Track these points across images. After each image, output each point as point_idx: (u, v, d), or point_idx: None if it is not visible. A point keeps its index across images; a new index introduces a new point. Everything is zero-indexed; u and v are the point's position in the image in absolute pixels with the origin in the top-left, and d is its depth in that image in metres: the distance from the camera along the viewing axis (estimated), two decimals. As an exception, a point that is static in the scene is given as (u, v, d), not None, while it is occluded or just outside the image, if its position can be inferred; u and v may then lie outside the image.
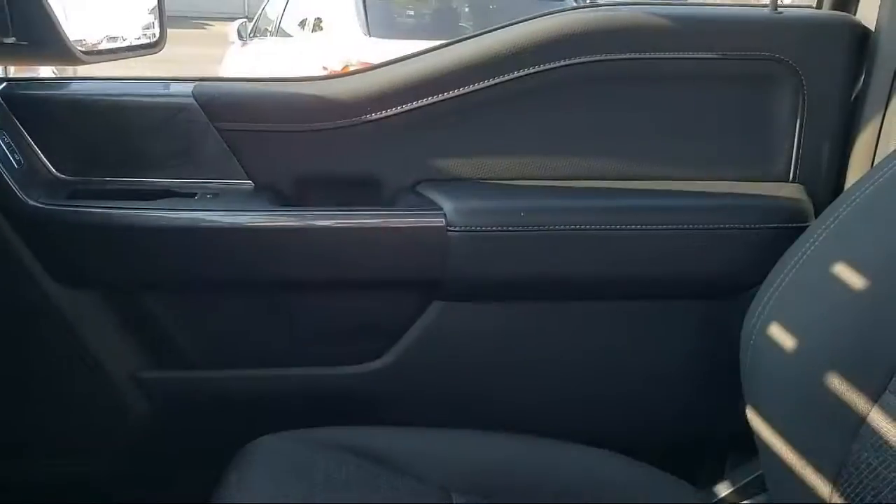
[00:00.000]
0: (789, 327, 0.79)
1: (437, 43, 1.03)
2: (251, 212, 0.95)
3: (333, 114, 0.96)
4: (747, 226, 0.99)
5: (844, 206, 0.81)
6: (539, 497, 0.81)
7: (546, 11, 1.02)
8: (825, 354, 0.73)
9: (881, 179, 0.79)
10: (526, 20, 1.01)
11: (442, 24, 4.82)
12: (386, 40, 4.22)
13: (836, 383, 0.68)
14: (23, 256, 0.94)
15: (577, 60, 0.97)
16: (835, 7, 1.05)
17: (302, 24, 5.38)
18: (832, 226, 0.81)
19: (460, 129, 0.99)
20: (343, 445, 0.83)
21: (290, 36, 5.51)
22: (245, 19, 6.82)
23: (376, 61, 1.04)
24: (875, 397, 0.65)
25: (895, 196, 0.77)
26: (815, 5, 1.08)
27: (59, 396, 1.01)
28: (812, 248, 0.81)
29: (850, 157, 1.01)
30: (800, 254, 0.81)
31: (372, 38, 4.43)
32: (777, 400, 0.76)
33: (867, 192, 0.79)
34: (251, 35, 6.17)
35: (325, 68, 4.25)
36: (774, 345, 0.79)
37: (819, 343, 0.76)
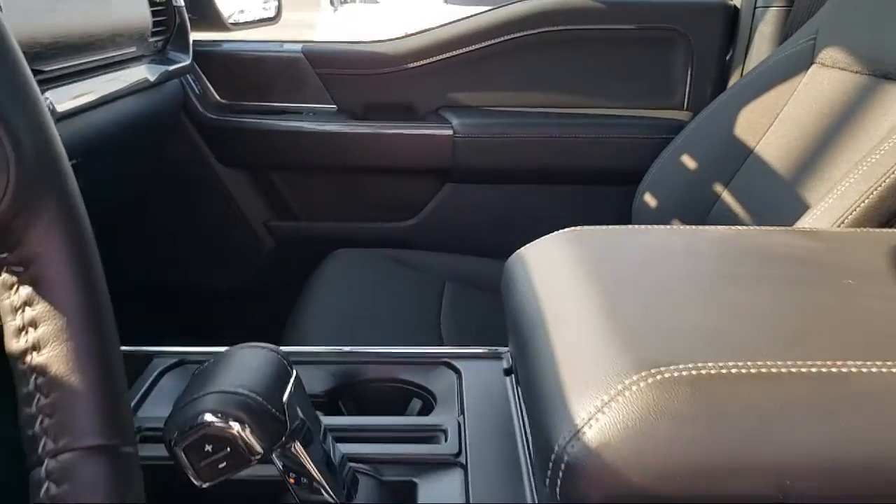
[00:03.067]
0: (656, 193, 1.34)
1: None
2: (335, 123, 1.55)
3: (386, 64, 1.54)
4: (654, 136, 1.51)
5: (695, 122, 1.34)
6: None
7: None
8: (677, 203, 1.28)
9: (715, 105, 1.32)
10: (511, 3, 1.56)
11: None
12: (460, 7, 4.75)
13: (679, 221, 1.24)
14: (201, 147, 1.57)
15: (542, 29, 1.52)
16: (720, -9, 1.57)
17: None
18: (687, 133, 1.35)
19: (466, 75, 1.56)
20: (385, 256, 1.42)
21: (376, 3, 6.10)
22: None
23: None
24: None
25: (716, 116, 1.31)
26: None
27: (219, 237, 1.64)
28: (674, 146, 1.35)
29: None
30: (670, 149, 1.36)
31: (449, 5, 4.97)
32: None
33: (707, 113, 1.33)
34: (342, 2, 6.80)
35: (406, 33, 4.82)
36: (647, 204, 1.35)
37: (671, 200, 1.31)
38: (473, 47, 1.53)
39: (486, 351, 0.83)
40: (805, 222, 0.92)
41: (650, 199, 1.37)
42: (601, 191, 1.57)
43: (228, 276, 1.67)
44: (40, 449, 0.30)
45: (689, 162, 1.33)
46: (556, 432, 0.49)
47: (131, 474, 0.32)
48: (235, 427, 0.52)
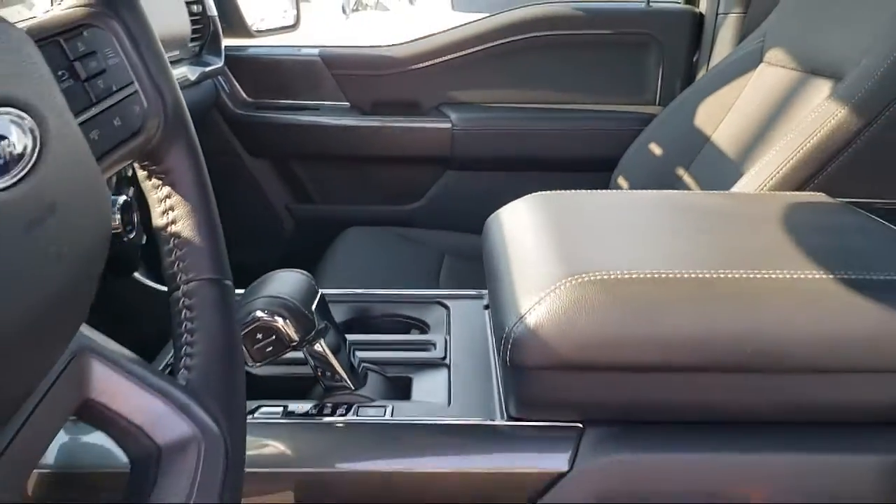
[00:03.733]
0: (628, 178, 1.54)
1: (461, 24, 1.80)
2: (348, 118, 1.76)
3: (393, 65, 1.75)
4: (629, 129, 1.71)
5: (661, 115, 1.55)
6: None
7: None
8: (645, 187, 1.48)
9: (679, 101, 1.53)
10: (503, 12, 1.77)
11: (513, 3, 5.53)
12: (467, 14, 4.98)
13: None
14: (231, 139, 1.78)
15: (531, 35, 1.73)
16: (686, 2, 1.77)
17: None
18: (654, 125, 1.55)
19: (464, 75, 1.76)
20: (392, 234, 1.63)
21: (387, 10, 6.34)
22: (349, -6, 7.69)
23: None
24: None
25: (680, 110, 1.51)
26: (681, 0, 1.80)
27: (246, 218, 1.85)
28: (643, 137, 1.55)
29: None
30: (640, 139, 1.56)
31: (455, 12, 5.20)
32: None
33: (671, 107, 1.53)
34: (354, 8, 7.05)
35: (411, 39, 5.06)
36: (620, 187, 1.54)
37: (640, 184, 1.51)
38: (470, 50, 1.74)
39: (470, 293, 1.03)
40: (735, 189, 1.12)
41: (623, 183, 1.57)
42: (582, 177, 1.77)
43: (254, 252, 1.88)
44: (177, 280, 0.51)
45: (655, 150, 1.53)
46: (508, 319, 0.69)
47: (231, 297, 0.53)
48: (279, 321, 0.72)
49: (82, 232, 0.36)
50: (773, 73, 1.39)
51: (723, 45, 1.65)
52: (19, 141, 0.33)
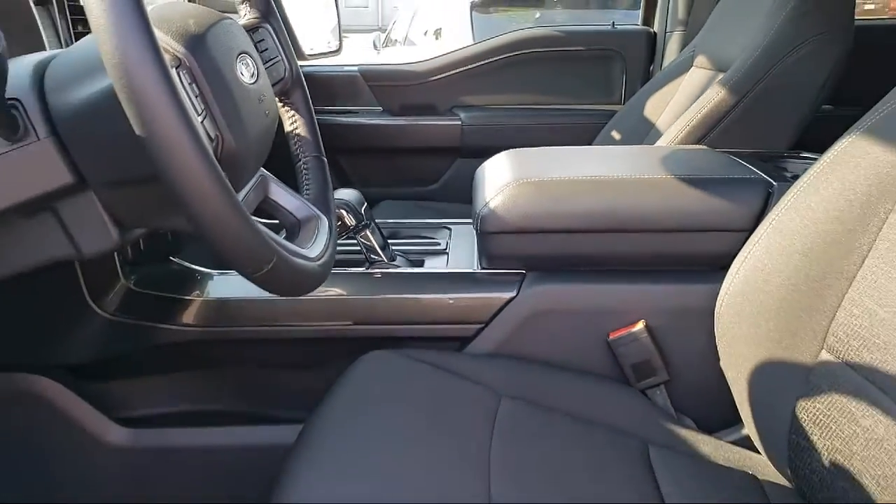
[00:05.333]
0: None
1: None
2: (381, 118, 2.26)
3: (416, 78, 2.26)
4: (599, 122, 2.18)
5: (620, 110, 2.02)
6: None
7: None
8: None
9: (633, 99, 2.00)
10: (505, 34, 2.26)
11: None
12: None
13: None
14: (290, 137, 2.29)
15: (522, 52, 2.22)
16: (644, 23, 2.25)
17: (425, 33, 6.76)
18: (615, 119, 2.02)
19: (470, 84, 2.26)
20: (415, 206, 2.11)
21: (414, 45, 6.90)
22: (379, 31, 8.32)
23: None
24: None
25: (634, 106, 1.98)
26: (639, 23, 2.28)
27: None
28: (608, 127, 2.03)
29: (648, 93, 2.21)
30: (605, 129, 2.03)
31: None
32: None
33: (628, 104, 2.00)
34: (384, 45, 7.63)
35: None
36: None
37: None
38: (475, 65, 2.24)
39: (465, 221, 1.51)
40: (657, 143, 1.59)
41: None
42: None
43: None
44: (299, 157, 1.00)
45: (616, 135, 2.00)
46: (479, 207, 1.17)
47: (325, 164, 1.02)
48: (342, 212, 1.21)
49: (273, 109, 0.85)
50: (698, 74, 1.86)
51: (670, 56, 2.13)
52: (247, 69, 0.82)
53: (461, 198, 2.28)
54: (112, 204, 0.74)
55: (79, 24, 1.12)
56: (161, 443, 1.19)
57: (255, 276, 0.69)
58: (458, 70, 2.25)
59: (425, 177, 2.31)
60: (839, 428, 0.77)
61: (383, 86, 2.28)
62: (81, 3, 0.78)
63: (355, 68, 2.30)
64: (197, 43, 0.72)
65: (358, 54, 8.68)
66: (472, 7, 5.68)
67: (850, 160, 0.83)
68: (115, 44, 0.55)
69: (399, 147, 2.27)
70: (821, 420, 0.80)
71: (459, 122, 2.23)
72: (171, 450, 1.20)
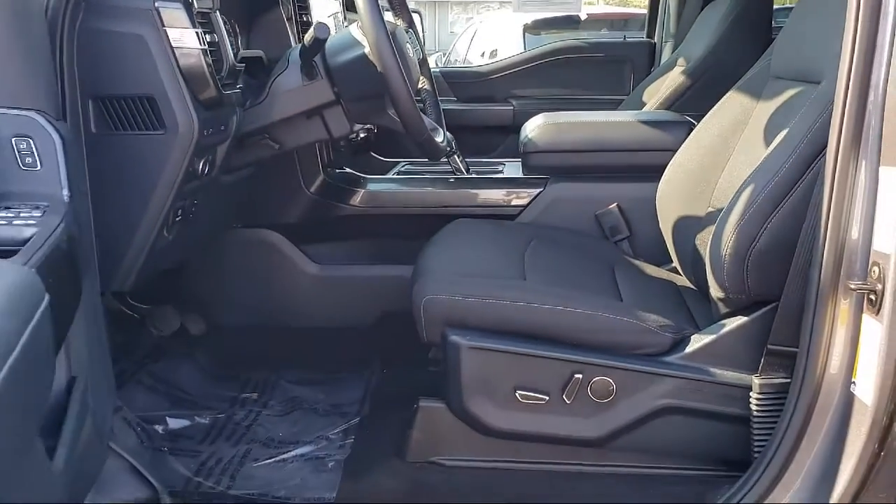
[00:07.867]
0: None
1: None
2: (454, 105, 3.14)
3: (480, 76, 3.15)
4: (610, 108, 3.02)
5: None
6: None
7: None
8: None
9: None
10: (543, 45, 3.13)
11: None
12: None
13: None
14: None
15: (555, 58, 3.10)
16: (647, 36, 3.10)
17: (482, 54, 7.67)
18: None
19: (519, 81, 3.14)
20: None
21: (472, 64, 7.80)
22: (440, 53, 9.27)
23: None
24: None
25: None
26: (643, 36, 3.12)
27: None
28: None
29: (648, 87, 3.05)
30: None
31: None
32: None
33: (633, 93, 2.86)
34: (445, 65, 8.54)
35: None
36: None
37: None
38: (522, 67, 3.12)
39: (516, 159, 2.36)
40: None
41: None
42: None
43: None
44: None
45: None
46: (521, 136, 2.03)
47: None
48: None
49: (419, 73, 1.73)
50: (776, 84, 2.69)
51: (663, 59, 2.97)
52: (413, 49, 1.70)
53: (512, 162, 3.14)
54: (351, 109, 1.63)
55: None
56: (338, 273, 2.06)
57: (419, 140, 1.56)
58: (510, 71, 3.13)
59: (485, 149, 3.18)
60: None
61: (457, 82, 3.17)
62: (357, 15, 1.61)
63: (437, 70, 3.19)
64: (397, 34, 1.61)
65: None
66: (525, 30, 6.55)
67: (726, 104, 1.66)
68: (374, 33, 1.44)
69: (467, 125, 3.14)
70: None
71: (511, 108, 3.09)
72: (345, 278, 2.06)
